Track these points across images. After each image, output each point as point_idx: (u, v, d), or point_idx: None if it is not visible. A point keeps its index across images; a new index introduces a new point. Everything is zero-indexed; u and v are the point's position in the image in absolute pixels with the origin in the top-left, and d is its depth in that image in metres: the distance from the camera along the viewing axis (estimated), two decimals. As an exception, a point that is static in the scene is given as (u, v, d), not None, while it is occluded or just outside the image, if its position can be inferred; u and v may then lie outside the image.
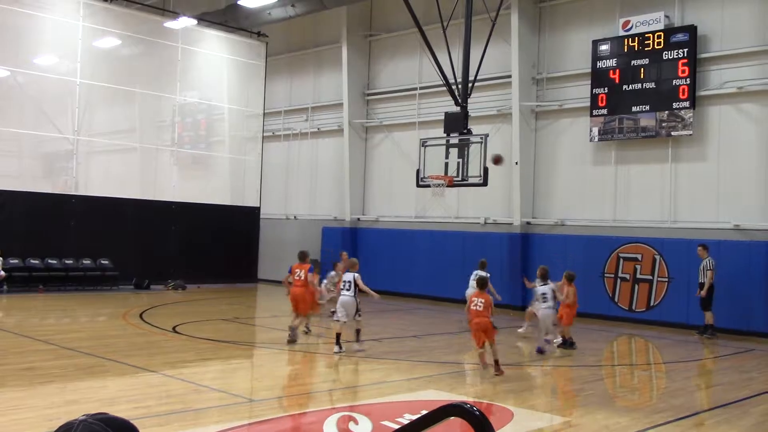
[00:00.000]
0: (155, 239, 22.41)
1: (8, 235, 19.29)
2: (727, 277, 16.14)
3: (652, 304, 17.33)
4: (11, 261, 19.48)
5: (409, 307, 19.99)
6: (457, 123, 16.79)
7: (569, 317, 12.92)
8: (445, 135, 16.97)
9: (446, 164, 16.76)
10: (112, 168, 23.25)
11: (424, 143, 17.48)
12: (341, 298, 12.13)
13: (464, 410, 3.12)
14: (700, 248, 15.66)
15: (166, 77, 23.80)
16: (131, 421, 1.65)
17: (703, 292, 15.36)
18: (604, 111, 18.32)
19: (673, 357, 13.55)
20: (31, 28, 20.41)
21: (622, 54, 18.06)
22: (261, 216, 25.67)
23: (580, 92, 19.01)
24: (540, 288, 12.80)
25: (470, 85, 17.17)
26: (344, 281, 12.25)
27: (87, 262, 20.96)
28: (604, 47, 18.42)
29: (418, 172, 17.34)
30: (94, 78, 21.56)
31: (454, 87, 17.09)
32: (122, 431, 1.60)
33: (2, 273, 19.08)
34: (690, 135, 17.11)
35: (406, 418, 7.49)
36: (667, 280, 17.16)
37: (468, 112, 17.04)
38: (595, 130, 18.54)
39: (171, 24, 23.13)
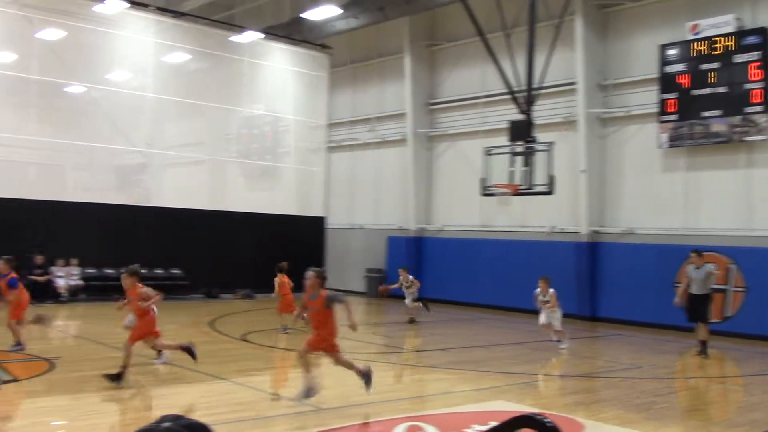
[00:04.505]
0: (224, 249, 22.85)
1: (86, 245, 19.99)
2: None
3: (727, 314, 16.82)
4: (88, 270, 20.18)
5: (475, 316, 19.89)
6: (521, 131, 16.71)
7: None
8: (509, 143, 16.90)
9: (511, 173, 16.69)
10: (182, 180, 23.89)
11: (488, 152, 17.43)
12: None
13: (536, 421, 3.13)
14: (694, 254, 13.77)
15: (233, 90, 24.32)
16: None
17: (677, 300, 14.00)
18: (674, 117, 17.91)
19: (750, 370, 13.10)
20: (105, 45, 21.14)
21: (691, 58, 17.64)
22: (327, 226, 25.94)
23: (648, 98, 18.63)
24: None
25: (535, 92, 17.07)
26: None
27: (159, 271, 21.51)
28: (672, 51, 18.03)
29: (482, 180, 17.30)
30: (164, 92, 22.21)
31: (518, 95, 17.02)
32: None
33: (81, 282, 19.78)
34: (764, 140, 16.58)
35: (475, 429, 7.46)
36: (742, 290, 16.64)
37: (533, 119, 16.94)
38: (665, 137, 18.14)
39: (237, 38, 23.64)
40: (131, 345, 9.53)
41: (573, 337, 15.74)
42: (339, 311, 8.72)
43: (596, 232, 19.53)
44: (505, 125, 17.66)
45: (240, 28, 23.70)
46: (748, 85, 16.65)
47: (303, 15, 22.61)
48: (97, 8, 20.37)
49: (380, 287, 19.68)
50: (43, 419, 7.95)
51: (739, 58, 16.84)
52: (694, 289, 13.61)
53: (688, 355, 13.47)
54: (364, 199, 26.30)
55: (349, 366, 8.87)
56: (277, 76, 25.20)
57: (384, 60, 25.53)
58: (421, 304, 17.81)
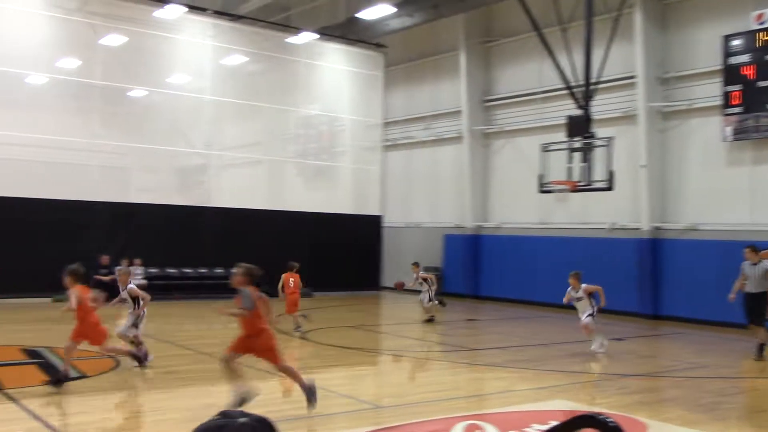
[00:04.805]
0: (282, 249, 23.07)
1: (148, 245, 20.50)
2: None
3: (795, 312, 16.24)
4: (151, 270, 20.68)
5: (533, 314, 19.69)
6: (579, 126, 16.48)
7: None
8: (567, 139, 16.67)
9: (569, 169, 16.48)
10: (240, 180, 24.31)
11: (545, 148, 17.23)
12: None
13: (598, 421, 3.07)
14: (749, 250, 12.80)
15: (289, 91, 24.63)
16: None
17: (732, 295, 13.02)
18: (738, 109, 17.40)
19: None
20: (165, 49, 21.66)
21: (757, 49, 17.11)
22: (383, 224, 26.00)
23: (711, 90, 18.14)
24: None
25: (593, 87, 16.80)
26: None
27: (219, 270, 21.88)
28: (736, 42, 17.51)
29: (540, 177, 17.12)
30: (222, 94, 22.63)
31: (576, 90, 16.78)
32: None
33: (144, 281, 20.22)
34: (835, 131, 15.98)
35: (535, 429, 7.39)
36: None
37: (591, 114, 16.68)
38: (729, 130, 17.64)
39: (293, 39, 23.89)
40: (103, 345, 9.28)
41: (634, 336, 15.48)
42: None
43: (658, 228, 19.12)
44: (562, 121, 17.43)
45: (296, 30, 23.94)
46: (817, 75, 16.07)
47: (357, 15, 22.71)
48: (158, 14, 20.85)
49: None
50: (110, 415, 8.18)
51: (808, 47, 16.27)
52: (750, 287, 12.64)
53: (753, 356, 13.06)
54: (421, 197, 26.28)
55: (294, 376, 8.16)
56: (333, 76, 25.39)
57: (439, 57, 25.46)
58: (436, 303, 17.47)
